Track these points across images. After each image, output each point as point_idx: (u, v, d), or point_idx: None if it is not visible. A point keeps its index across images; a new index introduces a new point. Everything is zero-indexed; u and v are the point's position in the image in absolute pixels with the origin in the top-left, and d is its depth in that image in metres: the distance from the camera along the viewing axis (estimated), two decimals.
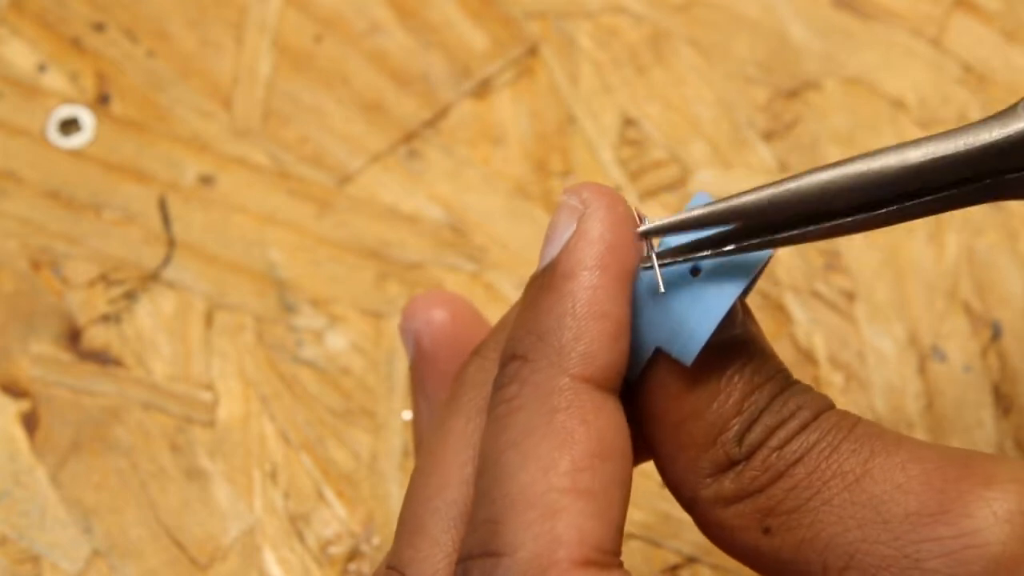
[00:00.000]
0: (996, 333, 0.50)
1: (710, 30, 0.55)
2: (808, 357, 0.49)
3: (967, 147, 0.32)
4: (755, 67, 0.54)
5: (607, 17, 0.55)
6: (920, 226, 0.51)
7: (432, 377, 0.40)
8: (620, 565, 0.31)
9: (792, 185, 0.32)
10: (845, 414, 0.33)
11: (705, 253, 0.32)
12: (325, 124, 0.53)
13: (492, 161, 0.53)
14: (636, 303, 0.32)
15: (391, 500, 0.47)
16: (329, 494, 0.47)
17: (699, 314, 0.32)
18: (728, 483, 0.32)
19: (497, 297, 0.50)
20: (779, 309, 0.50)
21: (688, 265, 0.32)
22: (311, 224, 0.52)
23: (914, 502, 0.31)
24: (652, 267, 0.32)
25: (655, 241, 0.33)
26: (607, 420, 0.31)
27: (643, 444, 0.34)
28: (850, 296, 0.50)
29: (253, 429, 0.48)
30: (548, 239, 0.33)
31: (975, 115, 0.53)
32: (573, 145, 0.53)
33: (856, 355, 0.49)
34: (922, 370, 0.49)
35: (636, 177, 0.52)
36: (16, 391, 0.49)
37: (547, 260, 0.32)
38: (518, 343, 0.32)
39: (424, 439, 0.36)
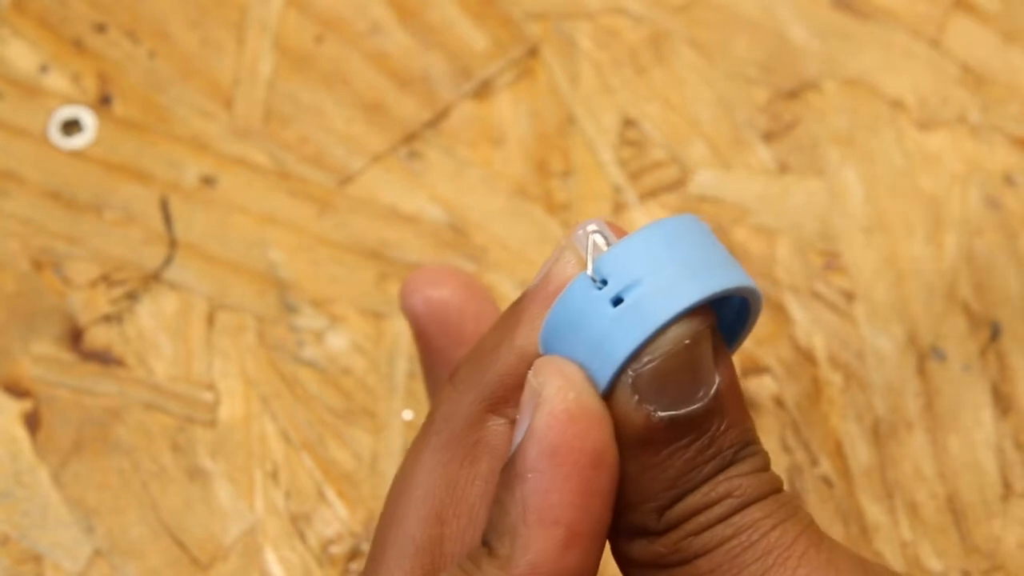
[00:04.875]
0: (995, 333, 0.50)
1: (710, 31, 0.55)
2: (808, 357, 0.49)
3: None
4: (755, 68, 0.54)
5: (607, 18, 0.55)
6: (919, 226, 0.51)
7: (432, 356, 0.39)
8: None
9: None
10: (773, 511, 0.31)
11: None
12: (326, 124, 0.53)
13: (492, 162, 0.53)
14: (574, 308, 0.31)
15: None
16: (330, 494, 0.48)
17: (610, 348, 0.30)
18: (637, 548, 0.32)
19: (497, 297, 0.50)
20: (779, 309, 0.50)
21: (615, 293, 0.30)
22: (312, 224, 0.52)
23: None
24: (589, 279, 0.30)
25: (599, 241, 0.31)
26: None
27: None
28: (849, 296, 0.50)
29: (254, 429, 0.48)
30: (517, 422, 0.31)
31: (974, 115, 0.53)
32: (573, 145, 0.53)
33: (855, 355, 0.49)
34: (921, 370, 0.49)
35: (636, 177, 0.52)
36: (18, 391, 0.49)
37: (512, 446, 0.31)
38: (488, 532, 0.31)
39: (402, 463, 0.36)
